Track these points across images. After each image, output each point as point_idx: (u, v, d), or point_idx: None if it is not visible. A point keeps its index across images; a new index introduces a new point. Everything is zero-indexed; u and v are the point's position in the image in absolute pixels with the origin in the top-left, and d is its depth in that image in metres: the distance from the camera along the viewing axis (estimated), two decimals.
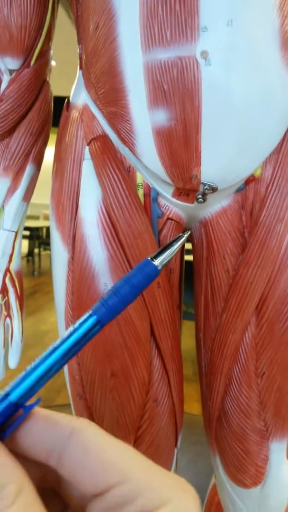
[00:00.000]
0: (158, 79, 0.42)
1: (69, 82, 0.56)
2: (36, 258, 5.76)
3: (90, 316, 0.23)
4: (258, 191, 0.49)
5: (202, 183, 0.46)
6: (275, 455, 0.54)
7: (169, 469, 0.59)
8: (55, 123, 0.58)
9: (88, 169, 0.50)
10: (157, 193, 0.50)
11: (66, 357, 0.23)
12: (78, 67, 0.54)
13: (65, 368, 0.56)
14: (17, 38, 0.53)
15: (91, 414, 0.55)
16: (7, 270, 0.62)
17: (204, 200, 0.47)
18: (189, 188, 0.47)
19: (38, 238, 6.01)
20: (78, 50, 0.53)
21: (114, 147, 0.49)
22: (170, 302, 0.52)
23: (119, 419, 0.53)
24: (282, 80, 0.43)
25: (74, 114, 0.53)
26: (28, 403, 0.22)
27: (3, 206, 0.61)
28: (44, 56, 0.57)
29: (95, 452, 0.20)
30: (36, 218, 7.18)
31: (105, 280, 0.49)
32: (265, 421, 0.53)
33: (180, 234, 0.27)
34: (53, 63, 0.62)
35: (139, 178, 0.50)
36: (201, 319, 0.56)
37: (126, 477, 0.20)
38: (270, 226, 0.47)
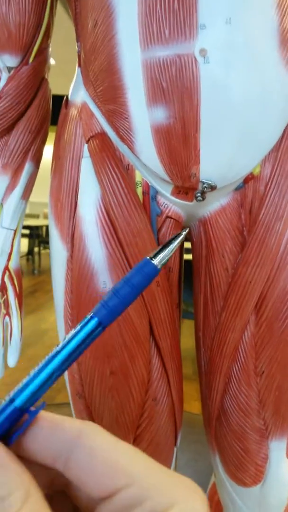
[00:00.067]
0: (157, 77, 0.42)
1: (68, 81, 0.55)
2: (36, 257, 5.76)
3: (91, 318, 0.23)
4: (257, 189, 0.49)
5: (201, 181, 0.46)
6: (274, 453, 0.54)
7: (168, 467, 0.59)
8: (54, 122, 0.57)
9: (87, 167, 0.50)
10: (156, 191, 0.50)
11: (69, 360, 0.23)
12: (77, 65, 0.54)
13: None
14: (15, 35, 0.53)
15: (91, 413, 0.55)
16: (6, 268, 0.62)
17: (203, 199, 0.47)
18: (188, 186, 0.47)
19: (38, 237, 6.01)
20: (76, 48, 0.53)
21: (113, 145, 0.49)
22: (170, 301, 0.52)
23: (118, 417, 0.53)
24: (281, 78, 0.43)
25: (73, 112, 0.53)
26: (33, 407, 0.22)
27: (1, 204, 0.61)
28: (42, 54, 0.57)
29: (101, 455, 0.20)
30: (36, 216, 7.19)
31: (104, 278, 0.49)
32: (264, 419, 0.53)
33: (179, 232, 0.26)
34: (52, 61, 0.62)
35: (138, 176, 0.49)
36: (200, 318, 0.56)
37: (133, 480, 0.19)
38: (269, 225, 0.47)
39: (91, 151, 0.50)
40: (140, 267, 0.24)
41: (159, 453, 0.57)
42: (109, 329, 0.49)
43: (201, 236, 0.53)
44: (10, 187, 0.60)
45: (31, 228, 5.77)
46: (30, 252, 6.02)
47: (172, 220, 0.51)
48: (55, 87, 0.67)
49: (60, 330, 0.57)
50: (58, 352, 0.23)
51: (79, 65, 0.53)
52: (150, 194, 0.50)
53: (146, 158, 0.46)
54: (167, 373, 0.54)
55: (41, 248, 6.13)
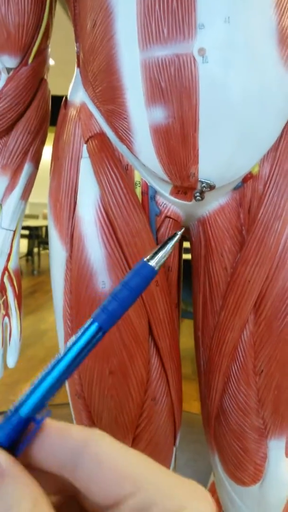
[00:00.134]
0: (156, 76, 0.42)
1: (67, 81, 0.56)
2: (36, 258, 5.76)
3: (92, 323, 0.23)
4: (255, 189, 0.49)
5: (199, 181, 0.46)
6: (273, 453, 0.54)
7: (167, 467, 0.59)
8: (53, 122, 0.57)
9: (86, 167, 0.50)
10: (155, 191, 0.50)
11: (72, 367, 0.23)
12: (76, 65, 0.54)
13: None
14: (14, 36, 0.53)
15: (90, 413, 0.55)
16: (5, 269, 0.62)
17: (202, 198, 0.47)
18: (187, 186, 0.47)
19: (38, 238, 6.01)
20: (75, 48, 0.53)
21: (111, 145, 0.49)
22: (169, 301, 0.52)
23: (117, 417, 0.53)
24: (280, 77, 0.43)
25: (72, 112, 0.53)
26: (38, 415, 0.22)
27: (1, 205, 0.61)
28: (42, 54, 0.57)
29: (107, 463, 0.20)
30: (36, 217, 7.18)
31: (103, 278, 0.49)
32: (263, 419, 0.53)
33: (175, 232, 0.26)
34: (51, 62, 0.62)
35: (137, 176, 0.50)
36: (199, 317, 0.56)
37: (139, 487, 0.19)
38: (268, 224, 0.47)
39: (90, 151, 0.50)
40: (137, 269, 0.24)
41: (158, 453, 0.57)
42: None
43: (200, 236, 0.53)
44: (10, 188, 0.61)
45: (31, 228, 5.77)
46: (29, 252, 6.02)
47: (171, 220, 0.51)
48: (54, 87, 0.67)
49: (59, 330, 0.57)
50: (60, 360, 0.23)
51: (78, 66, 0.53)
52: (149, 194, 0.50)
53: (145, 158, 0.46)
54: (166, 372, 0.54)
55: (41, 248, 6.13)
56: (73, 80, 0.54)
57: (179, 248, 0.61)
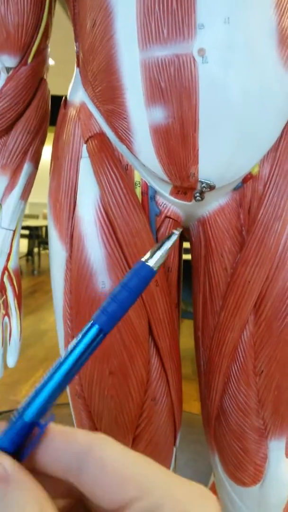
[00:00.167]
0: (155, 76, 0.42)
1: (67, 81, 0.56)
2: (36, 257, 5.76)
3: (92, 326, 0.23)
4: (255, 189, 0.49)
5: (199, 181, 0.46)
6: (274, 453, 0.54)
7: (168, 467, 0.59)
8: (53, 122, 0.57)
9: (85, 167, 0.50)
10: (155, 191, 0.50)
11: (74, 370, 0.23)
12: (75, 65, 0.54)
13: None
14: (14, 36, 0.53)
15: (90, 413, 0.55)
16: (5, 268, 0.62)
17: (202, 198, 0.47)
18: (187, 186, 0.47)
19: (38, 238, 6.01)
20: (75, 48, 0.53)
21: (111, 145, 0.49)
22: (169, 301, 0.52)
23: (117, 417, 0.53)
24: (280, 77, 0.43)
25: (72, 112, 0.53)
26: (42, 420, 0.22)
27: (0, 205, 0.61)
28: (41, 54, 0.57)
29: (112, 468, 0.20)
30: (36, 217, 7.18)
31: (103, 278, 0.49)
32: (263, 419, 0.53)
33: (172, 232, 0.26)
34: (50, 61, 0.62)
35: (137, 176, 0.49)
36: (199, 318, 0.56)
37: (145, 491, 0.19)
38: (268, 224, 0.47)
39: (89, 151, 0.50)
40: (136, 270, 0.24)
41: (158, 453, 0.57)
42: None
43: (200, 236, 0.53)
44: (9, 188, 0.61)
45: (31, 228, 5.77)
46: (29, 252, 6.02)
47: (171, 220, 0.51)
48: (53, 87, 0.67)
49: (60, 330, 0.57)
50: (62, 363, 0.23)
51: (78, 65, 0.53)
52: (149, 194, 0.50)
53: (145, 158, 0.46)
54: (166, 373, 0.54)
55: (41, 248, 6.13)
56: (72, 80, 0.54)
57: (179, 249, 0.61)
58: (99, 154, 0.48)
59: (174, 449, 0.60)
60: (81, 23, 0.48)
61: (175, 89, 0.41)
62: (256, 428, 0.53)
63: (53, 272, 0.57)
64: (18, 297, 0.64)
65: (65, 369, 0.22)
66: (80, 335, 0.23)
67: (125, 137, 0.47)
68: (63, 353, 0.23)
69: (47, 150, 0.59)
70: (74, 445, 0.21)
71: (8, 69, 0.55)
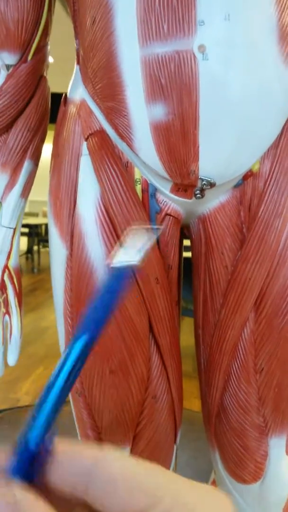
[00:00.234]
0: (156, 73, 0.41)
1: (67, 79, 0.55)
2: (36, 255, 5.76)
3: (77, 337, 0.23)
4: (256, 186, 0.49)
5: (200, 178, 0.46)
6: (274, 451, 0.54)
7: (168, 465, 0.59)
8: (53, 120, 0.57)
9: (86, 164, 0.50)
10: (155, 189, 0.50)
11: (68, 383, 0.23)
12: (75, 62, 0.53)
13: None
14: (14, 32, 0.53)
15: (90, 411, 0.55)
16: (6, 267, 0.62)
17: (202, 196, 0.47)
18: (187, 184, 0.47)
19: (38, 235, 6.01)
20: (75, 45, 0.53)
21: (112, 142, 0.49)
22: (169, 299, 0.52)
23: (118, 415, 0.53)
24: (280, 74, 0.42)
25: (72, 109, 0.53)
26: (46, 437, 0.22)
27: (0, 203, 0.61)
28: (41, 51, 0.57)
29: (120, 479, 0.20)
30: (35, 215, 7.18)
31: (103, 276, 0.49)
32: (264, 416, 0.53)
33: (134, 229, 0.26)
34: (50, 59, 0.62)
35: (137, 173, 0.49)
36: (200, 315, 0.56)
37: (155, 500, 0.19)
38: (268, 222, 0.47)
39: (90, 148, 0.49)
40: (107, 274, 0.24)
41: (159, 451, 0.57)
42: (109, 327, 0.49)
43: (200, 234, 0.53)
44: (9, 185, 0.60)
45: (31, 226, 5.77)
46: (29, 250, 6.01)
47: (171, 217, 0.51)
48: (53, 85, 0.67)
49: (60, 328, 0.57)
50: (55, 380, 0.23)
51: (78, 63, 0.53)
52: (149, 191, 0.50)
53: (145, 155, 0.46)
54: (166, 370, 0.54)
55: (41, 246, 6.12)
56: (72, 77, 0.54)
57: (179, 246, 0.61)
58: (99, 152, 0.48)
59: (175, 446, 0.60)
60: (81, 20, 0.48)
61: (175, 85, 0.41)
62: (256, 425, 0.53)
63: (53, 270, 0.57)
64: (19, 295, 0.64)
65: (59, 384, 0.22)
66: (67, 349, 0.23)
67: (125, 134, 0.46)
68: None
69: (47, 148, 0.59)
70: (80, 461, 0.21)
71: (8, 67, 0.55)
